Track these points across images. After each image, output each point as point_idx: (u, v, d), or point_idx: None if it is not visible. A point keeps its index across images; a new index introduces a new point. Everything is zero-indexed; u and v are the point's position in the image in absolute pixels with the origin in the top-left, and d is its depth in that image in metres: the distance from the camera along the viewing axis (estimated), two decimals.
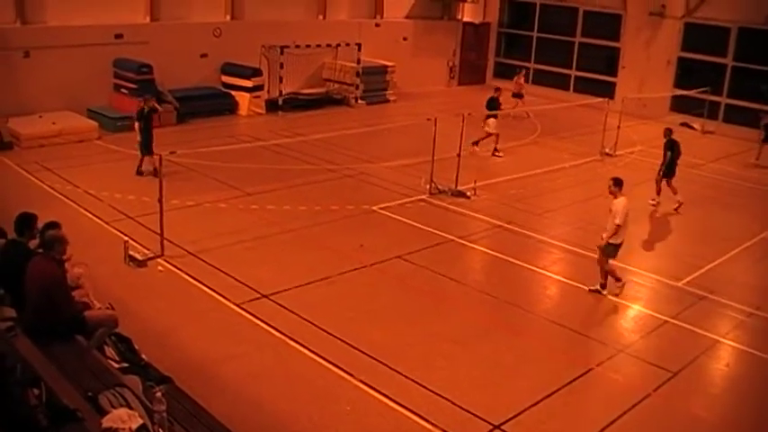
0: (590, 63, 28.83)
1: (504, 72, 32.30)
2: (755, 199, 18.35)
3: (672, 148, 16.25)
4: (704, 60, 26.00)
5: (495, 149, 20.16)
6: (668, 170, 16.25)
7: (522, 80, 25.97)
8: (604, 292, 11.78)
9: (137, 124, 16.04)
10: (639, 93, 25.84)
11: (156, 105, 16.51)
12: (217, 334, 9.83)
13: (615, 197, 11.55)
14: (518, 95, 25.47)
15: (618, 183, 11.62)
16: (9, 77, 18.75)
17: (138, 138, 15.95)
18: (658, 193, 16.46)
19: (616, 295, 11.76)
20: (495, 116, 20.02)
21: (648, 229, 15.48)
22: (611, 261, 11.73)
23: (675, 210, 16.16)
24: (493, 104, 20.22)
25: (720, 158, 21.38)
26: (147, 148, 15.75)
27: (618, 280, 11.80)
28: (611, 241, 11.48)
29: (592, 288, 11.84)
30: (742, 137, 24.17)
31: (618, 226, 11.32)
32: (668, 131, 16.53)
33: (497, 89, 21.11)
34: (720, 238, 14.85)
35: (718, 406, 9.20)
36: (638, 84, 26.91)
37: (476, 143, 19.72)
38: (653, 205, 16.43)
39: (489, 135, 20.02)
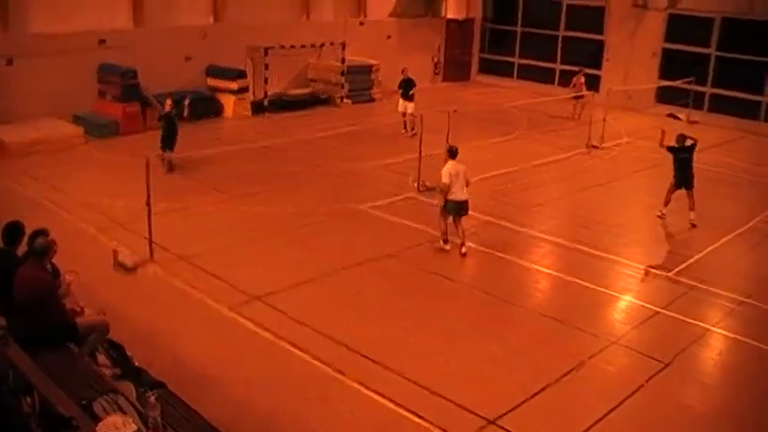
0: (574, 56, 28.83)
1: (489, 68, 32.36)
2: (742, 188, 18.44)
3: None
4: (688, 51, 26.08)
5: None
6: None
7: (581, 80, 25.13)
8: (451, 246, 12.93)
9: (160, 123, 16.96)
10: (624, 85, 25.90)
11: (180, 105, 17.35)
12: (209, 337, 9.81)
13: (445, 162, 12.76)
14: (578, 96, 24.77)
15: (449, 151, 12.91)
16: None
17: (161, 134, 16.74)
18: None
19: (439, 249, 12.85)
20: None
21: (635, 220, 15.51)
22: (443, 222, 12.87)
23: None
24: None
25: (706, 148, 21.36)
26: (165, 144, 16.53)
27: (444, 242, 12.95)
28: (448, 198, 12.60)
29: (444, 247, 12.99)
30: (727, 126, 24.31)
31: (445, 183, 12.48)
32: None
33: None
34: (708, 227, 14.88)
35: (710, 395, 9.25)
36: (622, 76, 26.97)
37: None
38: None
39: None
